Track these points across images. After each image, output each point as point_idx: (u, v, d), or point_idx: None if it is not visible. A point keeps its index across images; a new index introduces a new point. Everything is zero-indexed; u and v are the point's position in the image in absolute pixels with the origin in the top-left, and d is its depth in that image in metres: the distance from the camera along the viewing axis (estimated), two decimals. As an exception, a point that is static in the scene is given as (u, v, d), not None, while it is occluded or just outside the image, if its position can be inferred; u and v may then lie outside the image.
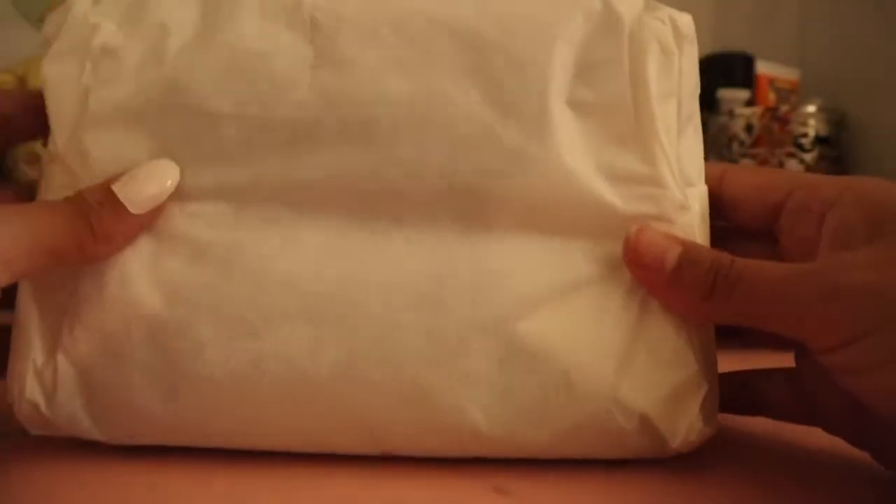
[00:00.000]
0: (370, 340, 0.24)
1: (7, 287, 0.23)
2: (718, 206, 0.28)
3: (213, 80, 0.25)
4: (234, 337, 0.24)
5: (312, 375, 0.24)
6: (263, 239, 0.25)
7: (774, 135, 0.78)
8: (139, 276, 0.24)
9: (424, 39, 0.25)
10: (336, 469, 0.25)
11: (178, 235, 0.25)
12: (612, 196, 0.25)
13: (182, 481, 0.24)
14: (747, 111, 0.80)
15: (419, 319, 0.24)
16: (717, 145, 0.80)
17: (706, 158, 0.28)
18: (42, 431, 0.25)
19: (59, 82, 0.25)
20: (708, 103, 0.89)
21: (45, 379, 0.24)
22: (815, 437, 0.27)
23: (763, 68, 0.91)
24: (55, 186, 0.25)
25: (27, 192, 0.27)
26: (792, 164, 0.78)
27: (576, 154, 0.25)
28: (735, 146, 0.79)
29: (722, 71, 0.91)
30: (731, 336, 0.29)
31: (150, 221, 0.24)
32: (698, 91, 0.27)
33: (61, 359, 0.24)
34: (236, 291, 0.24)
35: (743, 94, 0.87)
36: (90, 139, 0.25)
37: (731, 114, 0.80)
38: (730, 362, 0.28)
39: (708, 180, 0.27)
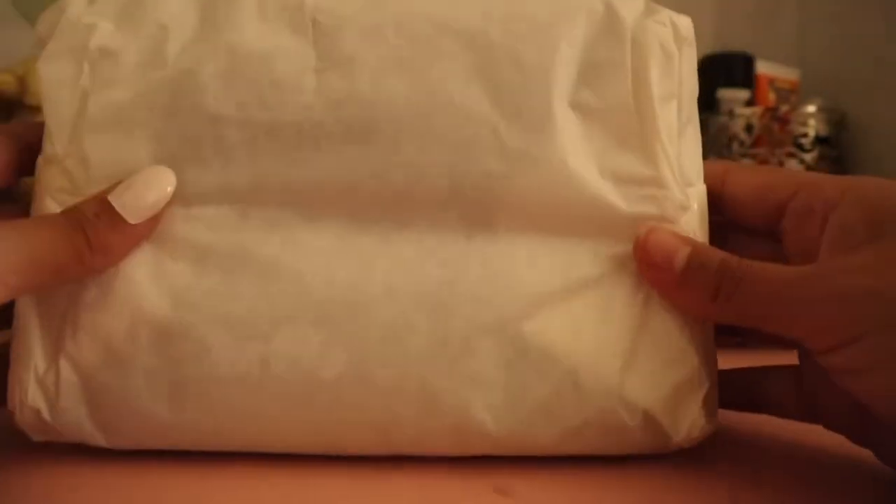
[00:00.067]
0: (377, 342, 0.24)
1: (4, 305, 0.22)
2: (721, 204, 0.28)
3: (215, 82, 0.24)
4: (241, 340, 0.24)
5: (320, 377, 0.24)
6: (268, 241, 0.25)
7: (774, 135, 0.78)
8: (144, 280, 0.24)
9: (427, 41, 0.25)
10: (336, 469, 0.25)
11: (182, 239, 0.25)
12: (615, 197, 0.25)
13: (183, 483, 0.24)
14: (747, 111, 0.80)
15: (426, 321, 0.24)
16: (717, 145, 0.80)
17: (706, 158, 0.28)
18: (44, 438, 0.25)
19: (56, 84, 0.25)
20: (708, 103, 0.89)
21: (47, 385, 0.24)
22: (815, 434, 0.27)
23: (763, 68, 0.91)
24: (53, 189, 0.25)
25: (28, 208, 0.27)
26: (792, 164, 0.78)
27: (579, 155, 0.25)
28: (735, 146, 0.79)
29: (722, 71, 0.91)
30: (731, 335, 0.29)
31: (148, 231, 0.24)
32: (697, 92, 0.27)
33: (64, 364, 0.24)
34: (242, 294, 0.24)
35: (743, 94, 0.87)
36: (89, 142, 0.24)
37: (731, 114, 0.80)
38: (731, 360, 0.29)
39: (710, 179, 0.27)
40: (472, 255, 0.25)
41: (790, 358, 0.27)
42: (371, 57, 0.25)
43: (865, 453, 0.25)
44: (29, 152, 0.26)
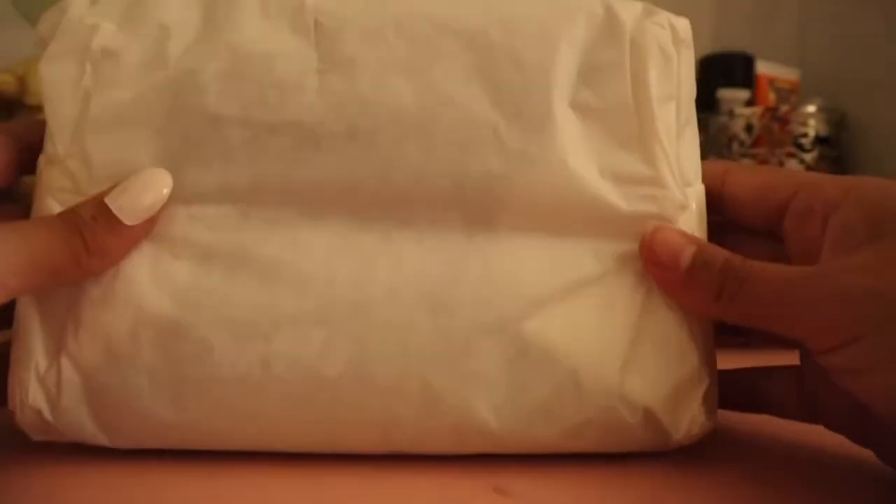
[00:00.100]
0: (380, 341, 0.24)
1: (4, 306, 0.22)
2: (721, 205, 0.28)
3: (217, 82, 0.24)
4: (243, 339, 0.24)
5: (322, 376, 0.24)
6: (269, 241, 0.25)
7: (774, 135, 0.78)
8: (146, 279, 0.24)
9: (428, 41, 0.25)
10: (336, 469, 0.25)
11: (183, 238, 0.25)
12: (615, 196, 0.25)
13: (184, 483, 0.24)
14: (747, 111, 0.80)
15: (428, 320, 0.24)
16: (717, 145, 0.80)
17: (706, 158, 0.28)
18: (45, 438, 0.25)
19: (57, 84, 0.25)
20: (708, 103, 0.89)
21: (48, 384, 0.24)
22: (816, 434, 0.27)
23: (763, 68, 0.91)
24: (55, 189, 0.25)
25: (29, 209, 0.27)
26: (792, 164, 0.78)
27: (579, 155, 0.25)
28: (735, 146, 0.79)
29: (722, 71, 0.91)
30: (734, 335, 0.29)
31: (145, 233, 0.24)
32: (695, 94, 0.28)
33: (65, 363, 0.24)
34: (244, 293, 0.24)
35: (743, 94, 0.87)
36: (92, 142, 0.25)
37: (731, 114, 0.80)
38: (732, 361, 0.29)
39: (710, 179, 0.28)
40: (473, 254, 0.25)
41: (791, 358, 0.28)
42: (372, 58, 0.25)
43: (866, 453, 0.25)
44: (29, 152, 0.26)
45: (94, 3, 0.26)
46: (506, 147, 0.25)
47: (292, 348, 0.24)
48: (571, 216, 0.25)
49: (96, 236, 0.23)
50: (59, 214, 0.24)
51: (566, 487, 0.24)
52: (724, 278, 0.24)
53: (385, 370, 0.24)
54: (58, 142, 0.25)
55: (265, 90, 0.25)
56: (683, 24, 0.26)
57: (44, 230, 0.23)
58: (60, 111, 0.25)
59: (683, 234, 0.25)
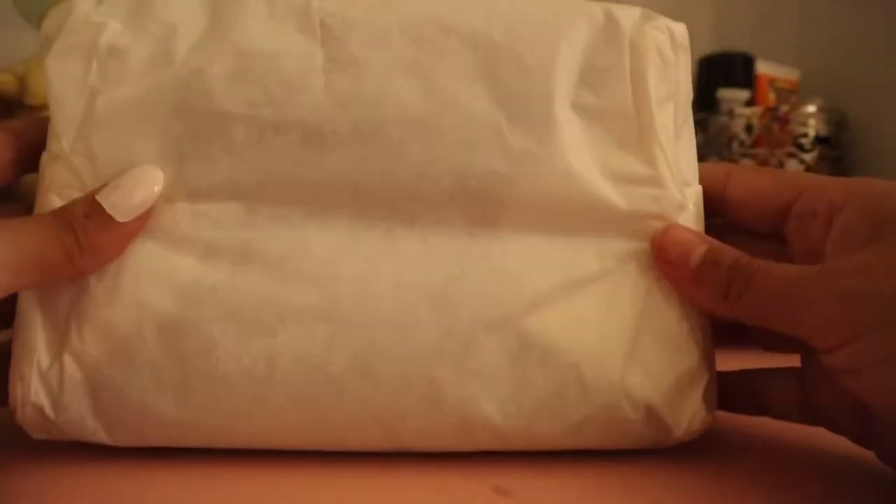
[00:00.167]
0: (384, 337, 0.24)
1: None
2: (723, 207, 0.28)
3: (223, 81, 0.25)
4: (248, 334, 0.24)
5: (327, 372, 0.24)
6: (274, 238, 0.25)
7: (774, 135, 0.78)
8: (151, 276, 0.24)
9: (433, 43, 0.25)
10: (336, 469, 0.25)
11: (189, 235, 0.25)
12: (616, 196, 0.25)
13: (185, 483, 0.24)
14: (747, 111, 0.80)
15: (432, 316, 0.24)
16: (717, 145, 0.80)
17: (706, 158, 0.29)
18: (45, 436, 0.25)
19: (63, 81, 0.25)
20: (708, 103, 0.89)
21: (50, 381, 0.24)
22: (816, 434, 0.27)
23: (763, 68, 0.91)
24: (58, 186, 0.25)
25: (29, 208, 0.27)
26: (792, 164, 0.78)
27: (580, 156, 0.25)
28: (735, 146, 0.79)
29: (722, 71, 0.91)
30: (736, 339, 0.30)
31: (137, 230, 0.24)
32: (692, 97, 0.28)
33: (68, 360, 0.24)
34: (249, 290, 0.24)
35: (743, 94, 0.87)
36: (97, 139, 0.25)
37: (731, 114, 0.80)
38: (732, 362, 0.29)
39: (713, 181, 0.28)
40: (477, 252, 0.25)
41: (790, 360, 0.28)
42: (377, 58, 0.25)
43: (865, 453, 0.26)
44: (30, 150, 0.26)
45: (100, 2, 0.26)
46: (509, 146, 0.25)
47: (297, 344, 0.24)
48: (573, 215, 0.25)
49: (89, 233, 0.23)
50: (52, 212, 0.24)
51: (566, 487, 0.24)
52: (731, 277, 0.24)
53: (389, 366, 0.24)
54: (63, 138, 0.25)
55: (271, 88, 0.25)
56: (681, 29, 0.27)
57: (37, 228, 0.23)
58: (66, 108, 0.25)
59: (695, 233, 0.26)
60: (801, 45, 0.98)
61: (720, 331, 0.27)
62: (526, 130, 0.25)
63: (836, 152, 0.81)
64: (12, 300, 0.25)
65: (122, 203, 0.24)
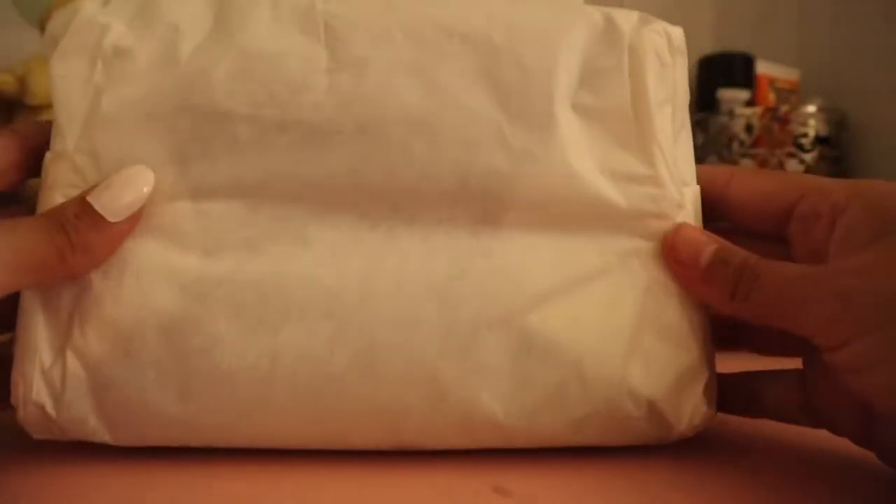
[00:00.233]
0: (387, 334, 0.24)
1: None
2: (725, 209, 0.28)
3: (227, 80, 0.25)
4: (250, 332, 0.24)
5: (330, 370, 0.24)
6: (277, 236, 0.25)
7: (774, 135, 0.78)
8: (154, 274, 0.24)
9: (435, 44, 0.26)
10: (336, 468, 0.25)
11: (192, 232, 0.25)
12: (615, 194, 0.26)
13: (185, 483, 0.24)
14: (747, 111, 0.80)
15: (434, 315, 0.25)
16: (717, 145, 0.80)
17: (706, 158, 0.29)
18: (47, 436, 0.25)
19: (68, 81, 0.25)
20: (708, 103, 0.89)
21: (52, 379, 0.24)
22: (816, 434, 0.27)
23: (763, 68, 0.91)
24: (62, 185, 0.25)
25: (31, 210, 0.27)
26: (792, 164, 0.78)
27: (580, 155, 0.26)
28: (735, 146, 0.79)
29: (722, 71, 0.91)
30: (731, 342, 0.30)
31: (129, 230, 0.24)
32: (689, 99, 0.29)
33: (71, 358, 0.24)
34: (252, 288, 0.24)
35: (743, 94, 0.87)
36: (101, 139, 0.25)
37: (731, 114, 0.80)
38: (733, 363, 0.29)
39: (715, 184, 0.28)
40: (479, 250, 0.25)
41: (791, 362, 0.28)
42: (380, 59, 0.25)
43: (866, 453, 0.26)
44: (35, 153, 0.26)
45: (105, 3, 0.26)
46: (509, 146, 0.25)
47: (299, 342, 0.24)
48: (573, 213, 0.26)
49: (80, 233, 0.23)
50: (45, 213, 0.24)
51: (566, 487, 0.24)
52: (739, 276, 0.24)
53: (392, 363, 0.24)
54: (67, 137, 0.25)
55: (274, 88, 0.25)
56: (678, 33, 0.27)
57: (30, 228, 0.23)
58: (70, 107, 0.25)
59: (705, 233, 0.26)
60: (801, 45, 0.98)
61: (716, 333, 0.28)
62: (526, 130, 0.25)
63: (836, 152, 0.82)
64: (11, 302, 0.25)
65: (112, 204, 0.24)
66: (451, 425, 0.25)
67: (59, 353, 0.24)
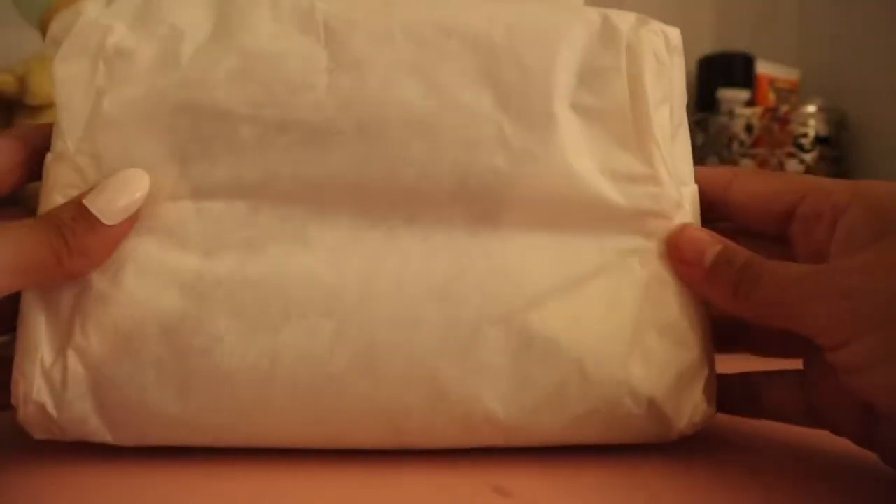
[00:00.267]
0: (387, 333, 0.24)
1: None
2: (727, 210, 0.28)
3: (228, 81, 0.25)
4: (250, 332, 0.24)
5: (330, 370, 0.24)
6: (278, 236, 0.25)
7: (774, 135, 0.78)
8: (155, 273, 0.25)
9: (435, 44, 0.26)
10: (336, 468, 0.25)
11: (193, 232, 0.25)
12: (615, 193, 0.26)
13: (185, 483, 0.24)
14: (747, 111, 0.80)
15: (435, 313, 0.25)
16: (717, 145, 0.80)
17: (706, 158, 0.29)
18: (47, 435, 0.25)
19: (70, 82, 0.25)
20: (708, 103, 0.89)
21: (53, 378, 0.24)
22: (816, 434, 0.27)
23: (763, 68, 0.91)
24: (62, 185, 0.25)
25: (31, 212, 0.27)
26: (792, 164, 0.78)
27: (580, 154, 0.26)
28: (735, 146, 0.79)
29: (722, 71, 0.91)
30: (730, 343, 0.30)
31: (125, 232, 0.24)
32: (686, 99, 0.29)
33: (72, 357, 0.24)
34: (253, 287, 0.24)
35: (743, 94, 0.87)
36: (102, 140, 0.25)
37: (731, 114, 0.80)
38: (733, 364, 0.29)
39: (717, 185, 0.28)
40: (478, 249, 0.25)
41: (792, 363, 0.28)
42: (380, 58, 0.25)
43: (866, 453, 0.26)
44: (37, 156, 0.26)
45: (108, 5, 0.26)
46: (509, 145, 0.25)
47: (299, 341, 0.24)
48: (573, 212, 0.26)
49: (76, 236, 0.24)
50: (41, 216, 0.24)
51: (566, 487, 0.24)
52: (741, 276, 0.25)
53: (393, 362, 0.24)
54: (68, 138, 0.25)
55: (274, 88, 0.25)
56: (675, 33, 0.28)
57: (27, 231, 0.23)
58: (72, 109, 0.25)
59: (709, 233, 0.26)
60: (801, 45, 0.98)
61: (717, 335, 0.28)
62: (526, 130, 0.25)
63: (836, 152, 0.81)
64: (11, 303, 0.25)
65: (108, 207, 0.24)
66: (452, 425, 0.25)
67: (60, 352, 0.24)
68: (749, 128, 0.79)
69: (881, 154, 0.85)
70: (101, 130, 0.25)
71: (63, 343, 0.24)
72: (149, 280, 0.24)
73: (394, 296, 0.25)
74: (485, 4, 0.27)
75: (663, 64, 0.27)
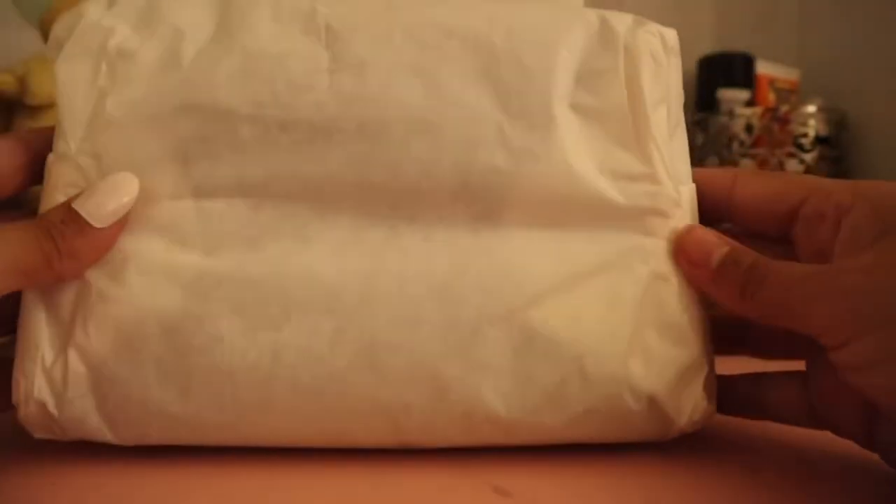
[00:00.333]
0: (388, 332, 0.24)
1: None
2: (730, 211, 0.28)
3: (230, 81, 0.25)
4: (253, 330, 0.24)
5: (331, 369, 0.24)
6: (279, 234, 0.25)
7: (774, 135, 0.79)
8: (156, 272, 0.25)
9: (436, 45, 0.26)
10: (336, 467, 0.25)
11: (194, 231, 0.25)
12: (614, 192, 0.26)
13: (185, 483, 0.24)
14: (747, 111, 0.80)
15: (436, 311, 0.25)
16: (717, 145, 0.80)
17: (706, 158, 0.29)
18: (48, 434, 0.25)
19: (73, 83, 0.25)
20: (708, 103, 0.89)
21: (54, 377, 0.24)
22: (816, 434, 0.27)
23: (763, 68, 0.91)
24: (63, 185, 0.25)
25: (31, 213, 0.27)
26: (792, 164, 0.78)
27: (579, 153, 0.26)
28: (735, 146, 0.79)
29: (722, 71, 0.91)
30: (730, 345, 0.30)
31: (115, 235, 0.25)
32: (683, 99, 0.29)
33: (73, 355, 0.24)
34: (254, 286, 0.25)
35: (743, 94, 0.87)
36: (104, 141, 0.25)
37: (731, 114, 0.80)
38: (735, 365, 0.29)
39: (719, 186, 0.28)
40: (479, 247, 0.26)
41: (793, 364, 0.28)
42: (382, 59, 0.26)
43: (866, 453, 0.26)
44: (40, 159, 0.26)
45: (110, 6, 0.27)
46: (510, 144, 0.25)
47: (302, 339, 0.24)
48: (573, 211, 0.26)
49: (67, 239, 0.24)
50: (33, 219, 0.24)
51: (566, 487, 0.24)
52: (747, 276, 0.25)
53: (393, 360, 0.24)
54: (70, 139, 0.25)
55: (276, 88, 0.25)
56: (671, 34, 0.28)
57: (18, 234, 0.24)
58: (74, 110, 0.25)
59: (716, 235, 0.26)
60: (801, 45, 0.98)
61: (719, 336, 0.28)
62: (526, 129, 0.25)
63: (836, 152, 0.82)
64: (11, 304, 0.25)
65: (97, 210, 0.24)
66: (453, 423, 0.25)
67: (61, 351, 0.24)
68: (749, 128, 0.79)
69: (881, 154, 0.85)
70: (103, 131, 0.25)
71: (64, 342, 0.25)
72: (150, 279, 0.25)
73: (394, 295, 0.25)
74: (485, 6, 0.27)
75: (660, 65, 0.27)
